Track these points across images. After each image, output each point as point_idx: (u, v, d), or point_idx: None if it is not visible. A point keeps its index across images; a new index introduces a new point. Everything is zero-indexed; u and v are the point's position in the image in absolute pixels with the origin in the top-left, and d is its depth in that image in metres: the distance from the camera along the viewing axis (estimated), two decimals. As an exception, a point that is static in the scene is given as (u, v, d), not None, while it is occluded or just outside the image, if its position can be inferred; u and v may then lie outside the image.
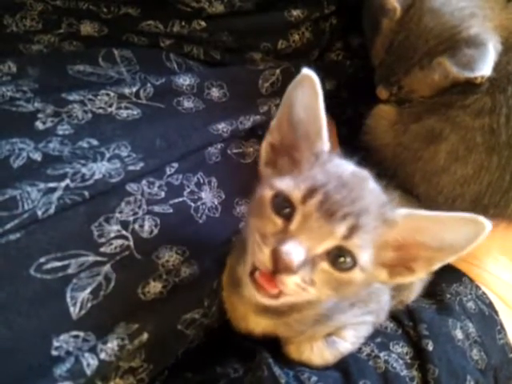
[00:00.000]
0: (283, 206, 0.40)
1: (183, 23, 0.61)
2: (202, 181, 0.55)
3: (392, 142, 0.65)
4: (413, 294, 0.60)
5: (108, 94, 0.53)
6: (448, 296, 0.60)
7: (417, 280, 0.59)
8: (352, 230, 0.39)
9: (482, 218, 0.39)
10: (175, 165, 0.53)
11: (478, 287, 0.61)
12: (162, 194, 0.51)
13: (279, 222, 0.40)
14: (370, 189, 0.42)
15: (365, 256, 0.40)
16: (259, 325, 0.50)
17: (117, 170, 0.49)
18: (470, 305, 0.60)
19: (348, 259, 0.40)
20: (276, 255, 0.38)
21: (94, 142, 0.50)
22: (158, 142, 0.52)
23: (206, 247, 0.53)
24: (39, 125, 0.49)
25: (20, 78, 0.53)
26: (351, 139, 0.72)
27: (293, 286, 0.39)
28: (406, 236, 0.41)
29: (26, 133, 0.48)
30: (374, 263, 0.41)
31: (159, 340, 0.47)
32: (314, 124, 0.43)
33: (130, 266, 0.47)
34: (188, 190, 0.53)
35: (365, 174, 0.43)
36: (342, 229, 0.39)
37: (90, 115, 0.52)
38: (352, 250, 0.40)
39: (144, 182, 0.50)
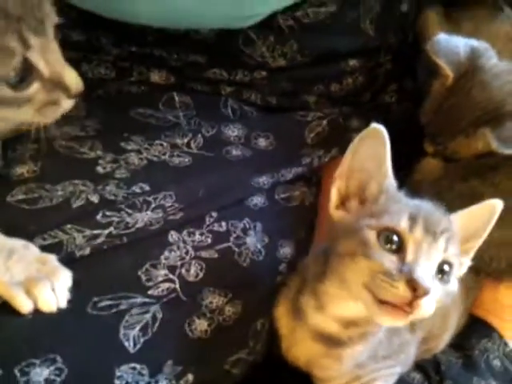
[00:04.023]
0: (390, 241, 0.45)
1: (246, 72, 0.66)
2: (247, 226, 0.59)
3: (435, 197, 0.67)
4: (442, 344, 0.63)
5: (162, 145, 0.58)
6: (476, 352, 0.62)
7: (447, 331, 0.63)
8: (447, 243, 0.46)
9: None
10: (214, 214, 0.57)
11: (506, 344, 0.63)
12: (209, 241, 0.56)
13: (393, 257, 0.45)
14: (440, 209, 0.49)
15: (457, 263, 0.47)
16: (311, 351, 0.54)
17: (158, 220, 0.54)
18: (496, 363, 0.62)
19: (448, 271, 0.46)
20: (413, 285, 0.42)
21: (146, 188, 0.55)
22: (201, 193, 0.57)
23: (249, 289, 0.57)
24: (100, 169, 0.55)
25: (86, 119, 0.58)
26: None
27: (428, 306, 0.44)
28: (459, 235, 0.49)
29: (88, 175, 0.54)
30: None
31: (206, 380, 0.52)
32: (380, 168, 0.49)
33: (176, 306, 0.52)
34: (234, 235, 0.58)
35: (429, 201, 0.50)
36: (442, 243, 0.46)
37: (145, 162, 0.57)
38: (450, 259, 0.46)
39: (185, 232, 0.55)
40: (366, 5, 0.65)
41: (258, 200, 0.62)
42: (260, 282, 0.58)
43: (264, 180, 0.62)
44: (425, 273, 0.44)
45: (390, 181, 0.49)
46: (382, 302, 0.45)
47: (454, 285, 0.47)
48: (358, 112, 0.73)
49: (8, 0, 0.38)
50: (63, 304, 0.47)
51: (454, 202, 0.65)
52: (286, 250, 0.62)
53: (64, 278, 0.47)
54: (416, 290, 0.42)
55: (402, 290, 0.43)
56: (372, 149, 0.48)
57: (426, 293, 0.43)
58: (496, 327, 0.66)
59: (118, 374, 0.48)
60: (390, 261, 0.45)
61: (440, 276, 0.46)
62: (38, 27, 0.40)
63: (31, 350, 0.45)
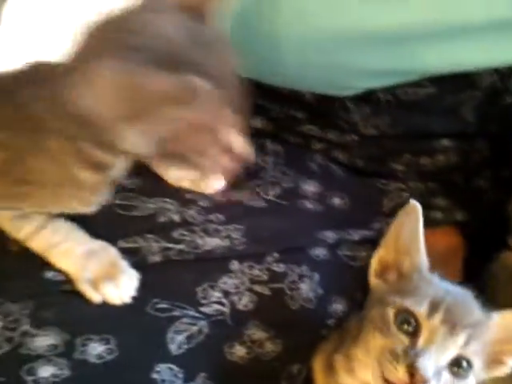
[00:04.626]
0: (407, 322, 0.48)
1: (337, 133, 0.71)
2: (305, 273, 0.63)
3: (507, 298, 0.65)
4: None
5: None
6: None
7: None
8: (469, 339, 0.46)
9: None
10: (276, 255, 0.62)
11: None
12: (265, 277, 0.61)
13: (406, 339, 0.47)
14: (474, 303, 0.50)
15: (478, 362, 0.47)
16: None
17: (223, 248, 0.60)
18: None
19: (465, 367, 0.46)
20: (412, 371, 0.45)
21: (222, 218, 0.62)
22: (267, 233, 0.62)
23: (293, 332, 0.60)
24: (188, 195, 0.62)
25: None
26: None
27: None
28: (501, 334, 0.49)
29: (177, 198, 0.62)
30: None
31: None
32: (414, 245, 0.51)
33: (221, 327, 0.57)
34: (290, 278, 0.62)
35: (468, 291, 0.51)
36: (461, 338, 0.46)
37: None
38: (470, 357, 0.47)
39: (245, 264, 0.61)
40: (467, 92, 0.66)
41: (320, 251, 0.65)
42: (305, 329, 0.61)
43: (330, 235, 0.66)
44: (429, 362, 0.44)
45: (423, 259, 0.51)
46: (386, 381, 0.46)
47: (470, 383, 0.47)
48: (446, 191, 0.73)
49: None
50: (127, 300, 0.55)
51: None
52: (338, 307, 0.64)
53: (130, 279, 0.55)
54: (414, 376, 0.43)
55: (401, 374, 0.44)
56: (409, 224, 0.51)
57: (423, 382, 0.43)
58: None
59: (156, 369, 0.54)
60: (400, 342, 0.46)
61: (455, 370, 0.46)
62: None
63: (94, 328, 0.53)
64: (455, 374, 0.46)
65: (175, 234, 0.60)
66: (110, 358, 0.52)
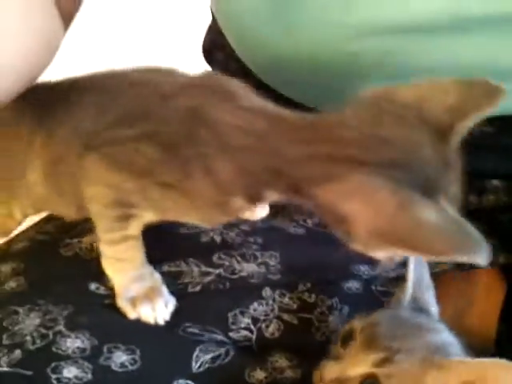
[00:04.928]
0: (349, 338, 0.52)
1: None
2: (334, 306, 0.64)
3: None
4: None
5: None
6: None
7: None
8: (384, 361, 0.48)
9: None
10: (308, 284, 0.63)
11: None
12: (294, 306, 0.62)
13: (341, 351, 0.52)
14: (423, 335, 0.50)
15: None
16: None
17: (259, 274, 0.62)
18: None
19: None
20: (321, 371, 0.51)
21: (260, 242, 0.64)
22: (302, 263, 0.64)
23: (315, 363, 0.59)
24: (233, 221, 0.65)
25: None
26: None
27: None
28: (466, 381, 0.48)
29: None
30: None
31: None
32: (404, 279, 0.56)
33: (246, 353, 0.59)
34: (319, 309, 0.63)
35: (430, 326, 0.52)
36: (374, 357, 0.48)
37: (266, 225, 0.66)
38: (380, 377, 0.49)
39: (277, 292, 0.62)
40: None
41: (352, 284, 0.66)
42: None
43: (365, 269, 0.66)
44: (331, 368, 0.50)
45: (407, 292, 0.55)
46: None
47: None
48: (491, 231, 0.69)
49: None
50: (161, 322, 0.58)
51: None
52: None
53: (167, 304, 0.58)
54: (322, 377, 0.51)
55: (316, 377, 0.52)
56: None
57: (324, 381, 0.50)
58: None
59: None
60: (335, 353, 0.52)
61: None
62: None
63: (123, 337, 0.56)
64: None
65: (214, 258, 0.62)
66: (132, 368, 0.55)
